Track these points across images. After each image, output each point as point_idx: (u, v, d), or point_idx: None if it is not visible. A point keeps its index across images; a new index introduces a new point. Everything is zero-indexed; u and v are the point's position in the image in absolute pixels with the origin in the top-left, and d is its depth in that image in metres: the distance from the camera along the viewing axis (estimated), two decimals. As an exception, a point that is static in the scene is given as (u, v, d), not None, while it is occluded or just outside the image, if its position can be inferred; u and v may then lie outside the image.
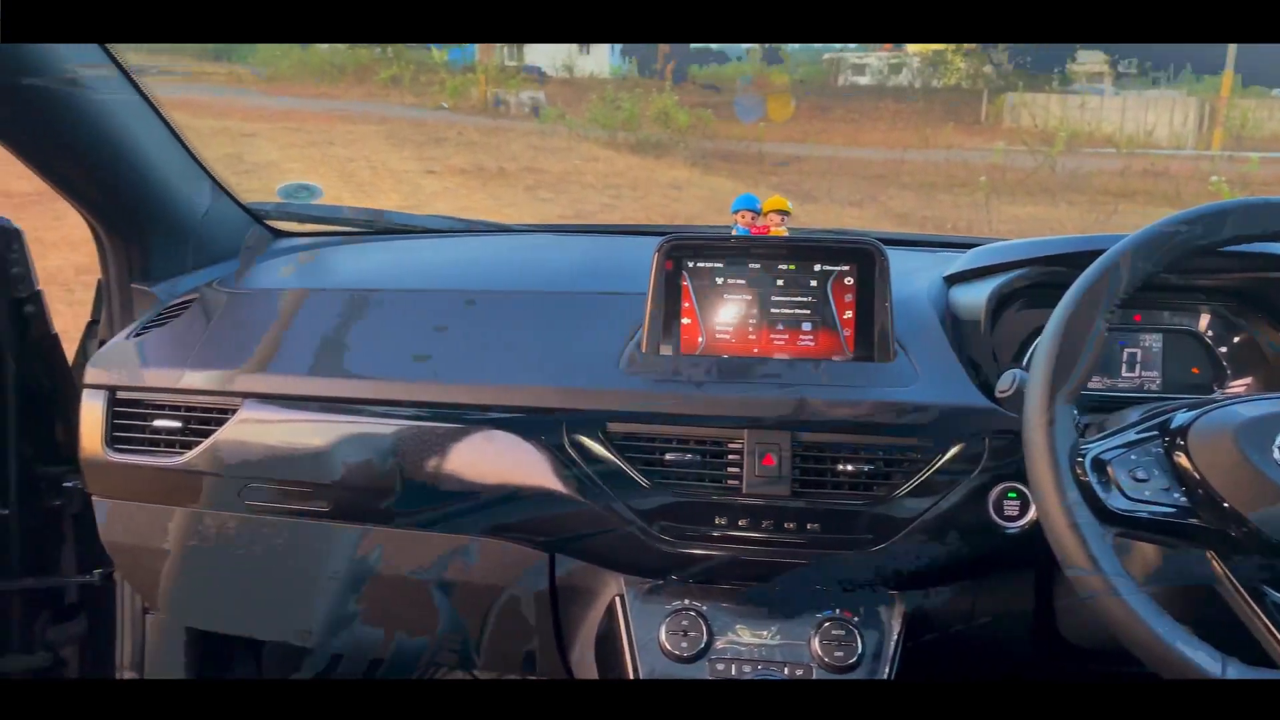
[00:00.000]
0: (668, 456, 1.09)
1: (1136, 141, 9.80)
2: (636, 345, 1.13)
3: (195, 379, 1.20)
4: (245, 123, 9.84)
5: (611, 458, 1.09)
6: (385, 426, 1.14)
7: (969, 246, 1.27)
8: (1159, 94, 10.78)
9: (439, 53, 12.95)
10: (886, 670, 1.07)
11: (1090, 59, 11.11)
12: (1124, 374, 1.21)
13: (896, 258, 1.32)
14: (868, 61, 13.52)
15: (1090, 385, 1.21)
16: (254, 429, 1.17)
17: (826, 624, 1.09)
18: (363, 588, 1.24)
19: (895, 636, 1.09)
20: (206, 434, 1.19)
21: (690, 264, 1.13)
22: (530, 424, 1.11)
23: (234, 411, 1.18)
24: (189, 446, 1.19)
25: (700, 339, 1.13)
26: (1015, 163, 8.64)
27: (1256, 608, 0.81)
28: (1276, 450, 0.82)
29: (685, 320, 1.13)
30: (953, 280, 1.22)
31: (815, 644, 1.08)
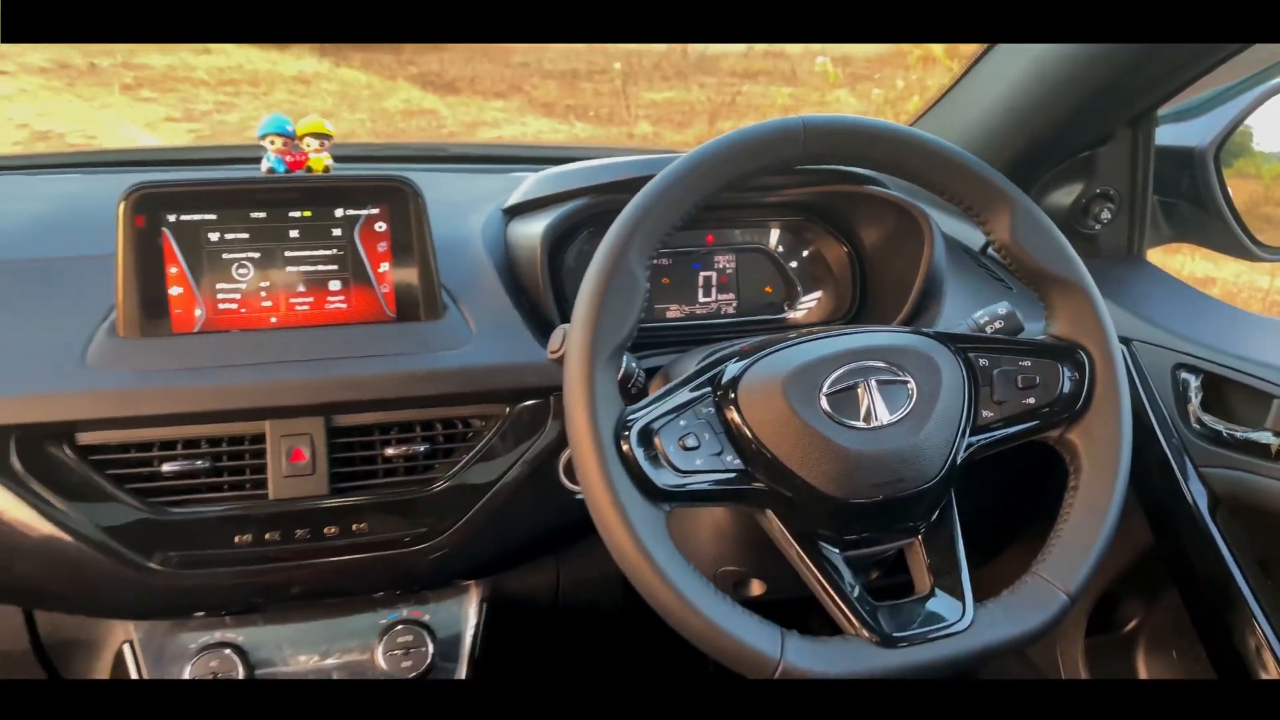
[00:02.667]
0: (166, 468, 0.86)
1: (758, 24, 10.28)
2: (110, 329, 0.88)
3: None
4: None
5: (87, 478, 0.84)
6: None
7: (563, 161, 1.12)
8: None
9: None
10: (464, 672, 0.94)
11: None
12: (701, 299, 1.14)
13: (461, 184, 1.16)
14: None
15: (669, 315, 1.13)
16: None
17: (395, 629, 0.94)
18: None
19: (472, 629, 0.97)
20: None
21: (172, 218, 0.88)
22: None
23: None
24: None
25: (197, 313, 0.90)
26: (649, 46, 8.76)
27: (813, 565, 0.76)
28: (824, 399, 0.76)
29: (175, 290, 0.89)
30: (512, 213, 1.07)
31: (379, 656, 0.93)
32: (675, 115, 7.27)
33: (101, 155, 1.26)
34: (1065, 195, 1.14)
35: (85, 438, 0.85)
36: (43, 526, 0.84)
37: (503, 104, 7.68)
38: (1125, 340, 1.04)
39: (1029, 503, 1.14)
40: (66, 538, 0.84)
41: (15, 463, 0.83)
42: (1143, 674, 1.12)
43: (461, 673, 0.95)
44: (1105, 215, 1.13)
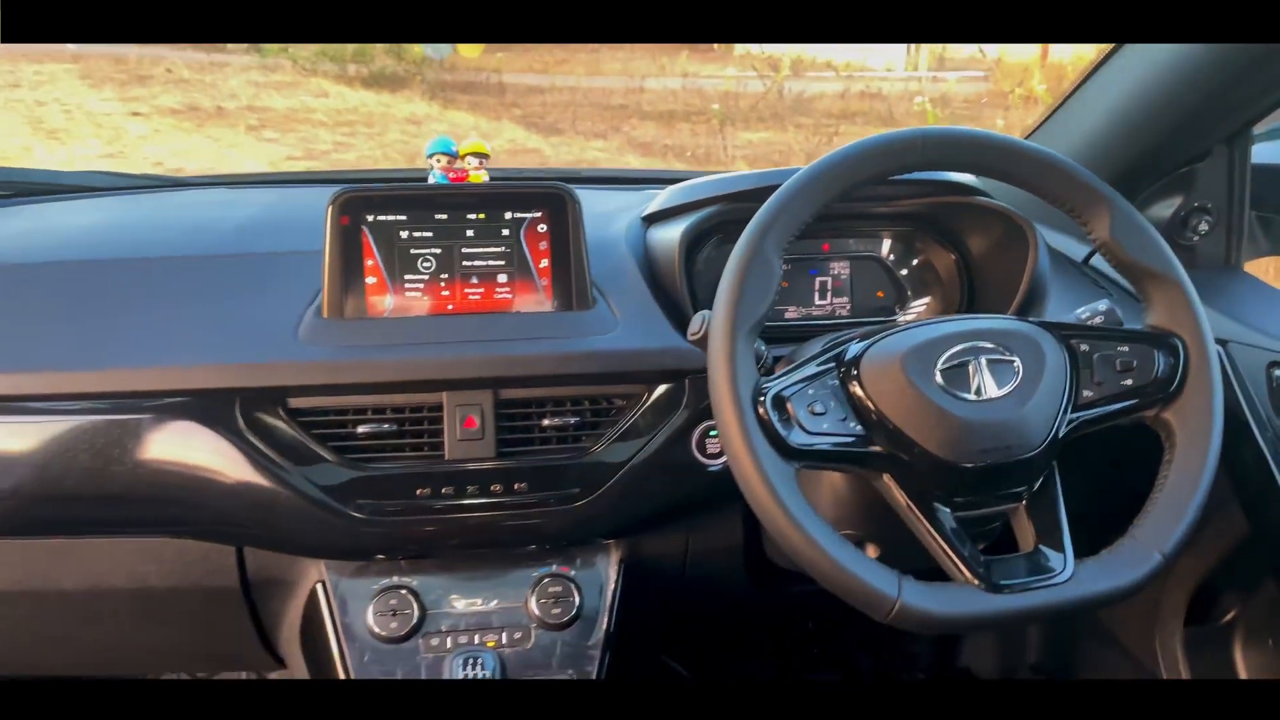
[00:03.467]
0: (360, 429, 1.01)
1: (854, 65, 10.39)
2: (316, 311, 1.03)
3: None
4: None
5: (296, 436, 1.00)
6: (27, 425, 0.99)
7: (677, 182, 1.26)
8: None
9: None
10: (605, 621, 1.06)
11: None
12: (816, 302, 1.25)
13: (600, 198, 1.29)
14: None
15: (787, 315, 1.24)
16: None
17: (545, 581, 1.07)
18: (33, 607, 1.09)
19: (613, 585, 1.08)
20: None
21: (370, 218, 1.04)
22: (201, 407, 0.99)
23: None
24: None
25: (388, 299, 1.05)
26: (746, 88, 8.93)
27: (927, 522, 0.85)
28: (938, 374, 0.86)
29: (370, 280, 1.04)
30: (650, 220, 1.20)
31: (532, 604, 1.06)
32: (771, 155, 7.41)
33: (289, 175, 1.44)
34: (1165, 208, 1.22)
35: (295, 402, 1.01)
36: (259, 477, 0.99)
37: (602, 144, 7.94)
38: (1221, 341, 1.10)
39: (1126, 505, 1.21)
40: (279, 487, 0.99)
41: (239, 421, 0.99)
42: (1241, 665, 1.17)
43: (603, 624, 1.07)
44: (1203, 227, 1.21)
